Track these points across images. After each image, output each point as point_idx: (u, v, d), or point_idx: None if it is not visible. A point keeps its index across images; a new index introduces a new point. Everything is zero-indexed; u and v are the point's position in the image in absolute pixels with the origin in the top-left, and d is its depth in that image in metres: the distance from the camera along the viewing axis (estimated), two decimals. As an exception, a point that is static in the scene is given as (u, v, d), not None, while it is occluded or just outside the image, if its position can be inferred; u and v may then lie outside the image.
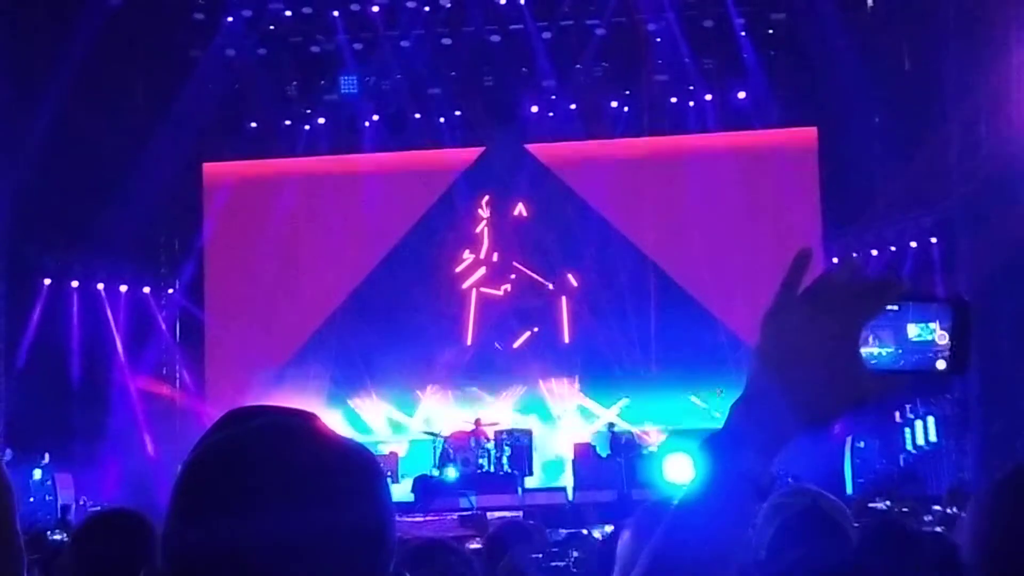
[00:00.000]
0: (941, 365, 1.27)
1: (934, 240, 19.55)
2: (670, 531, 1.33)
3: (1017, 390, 15.77)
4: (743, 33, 20.52)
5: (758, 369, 1.33)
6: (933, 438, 17.62)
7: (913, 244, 19.79)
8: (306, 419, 1.47)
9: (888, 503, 11.89)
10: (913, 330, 1.27)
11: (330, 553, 1.35)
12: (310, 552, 1.34)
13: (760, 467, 1.32)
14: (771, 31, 20.69)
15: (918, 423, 17.85)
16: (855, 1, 19.98)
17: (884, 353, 1.28)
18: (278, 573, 1.34)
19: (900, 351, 1.27)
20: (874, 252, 20.27)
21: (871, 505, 12.07)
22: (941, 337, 1.26)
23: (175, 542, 1.38)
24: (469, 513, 15.66)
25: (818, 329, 1.29)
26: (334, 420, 20.51)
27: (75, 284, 20.42)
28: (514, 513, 16.00)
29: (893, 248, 20.06)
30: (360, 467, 1.43)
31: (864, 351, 1.28)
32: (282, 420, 1.46)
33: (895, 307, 1.28)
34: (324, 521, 1.35)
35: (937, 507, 10.82)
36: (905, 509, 11.32)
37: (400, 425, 20.63)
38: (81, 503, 17.09)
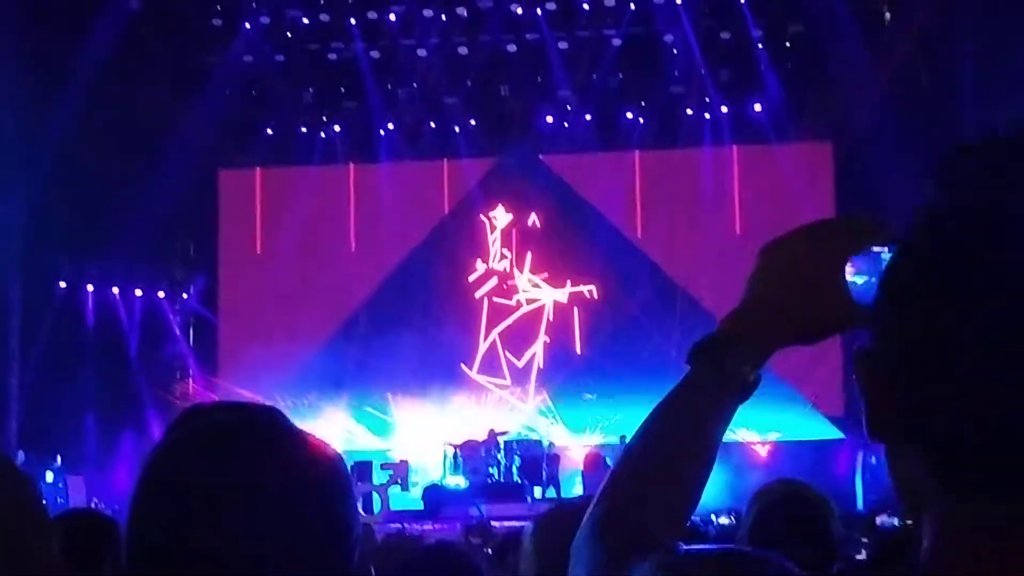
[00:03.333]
0: None
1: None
2: (651, 422, 1.39)
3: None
4: (760, 46, 20.50)
5: (752, 288, 1.43)
6: None
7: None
8: (268, 415, 1.44)
9: (896, 519, 11.84)
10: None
11: (291, 550, 1.34)
12: (270, 549, 1.33)
13: (747, 367, 1.39)
14: (788, 44, 20.67)
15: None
16: (873, 15, 19.95)
17: (860, 281, 1.35)
18: (237, 571, 1.32)
19: (874, 280, 1.31)
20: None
21: (877, 519, 12.02)
22: None
23: (135, 540, 1.37)
24: (475, 522, 15.66)
25: (809, 256, 1.39)
26: (343, 425, 20.55)
27: (90, 288, 20.49)
28: (522, 523, 15.99)
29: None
30: (321, 464, 1.41)
31: (850, 275, 1.37)
32: (240, 417, 1.44)
33: (882, 248, 1.35)
34: (284, 518, 1.34)
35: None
36: (910, 522, 11.29)
37: (410, 433, 20.61)
38: (92, 506, 17.13)
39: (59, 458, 18.12)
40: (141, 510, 1.38)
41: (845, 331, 1.38)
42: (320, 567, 1.36)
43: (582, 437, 20.52)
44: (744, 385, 1.40)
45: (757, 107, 20.87)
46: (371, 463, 19.20)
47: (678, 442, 1.37)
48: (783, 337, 1.41)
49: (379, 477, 18.93)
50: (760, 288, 1.42)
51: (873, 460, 17.98)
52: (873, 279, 1.32)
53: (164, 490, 1.37)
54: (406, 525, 15.53)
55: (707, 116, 21.17)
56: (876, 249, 1.36)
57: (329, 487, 1.39)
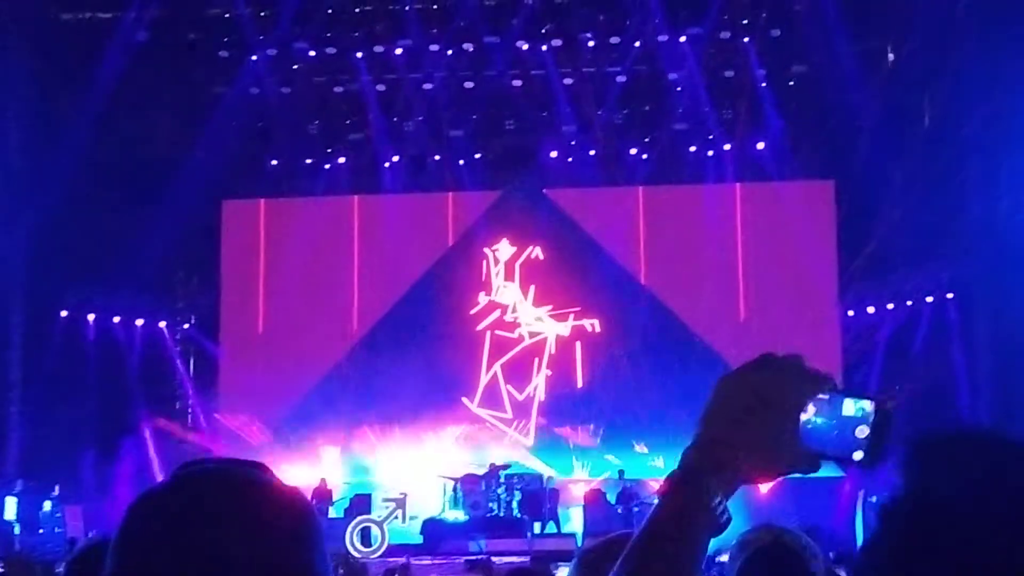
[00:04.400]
0: (858, 456, 1.42)
1: (951, 296, 19.52)
2: (635, 555, 1.43)
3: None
4: (763, 84, 20.60)
5: (712, 421, 1.48)
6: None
7: (929, 299, 19.77)
8: (248, 468, 1.48)
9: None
10: (849, 407, 1.43)
11: None
12: None
13: (721, 504, 1.45)
14: (791, 83, 20.78)
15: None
16: (876, 56, 20.04)
17: (819, 421, 1.43)
18: None
19: (833, 422, 1.42)
20: (890, 306, 20.25)
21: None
22: (861, 431, 1.39)
23: None
24: (476, 558, 15.59)
25: (767, 399, 1.45)
26: (342, 457, 20.50)
27: (91, 317, 20.51)
28: (522, 559, 15.93)
29: (909, 302, 20.03)
30: (294, 515, 1.44)
31: (803, 416, 1.44)
32: (221, 468, 1.48)
33: (826, 396, 1.44)
34: (256, 568, 1.36)
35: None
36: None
37: (410, 466, 20.56)
38: (89, 536, 17.06)
39: (57, 488, 18.08)
40: (120, 557, 1.41)
41: (794, 474, 1.46)
42: None
43: (581, 473, 20.47)
44: (723, 522, 1.47)
45: (760, 145, 20.95)
46: (370, 496, 19.16)
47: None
48: (742, 477, 1.47)
49: (379, 510, 18.88)
50: (720, 424, 1.47)
51: (874, 499, 17.93)
52: (834, 421, 1.42)
53: (139, 538, 1.40)
54: (408, 560, 15.48)
55: (710, 153, 21.25)
56: (821, 397, 1.44)
57: (295, 539, 1.42)
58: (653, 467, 20.32)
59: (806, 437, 1.43)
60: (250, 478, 1.45)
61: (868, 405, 1.43)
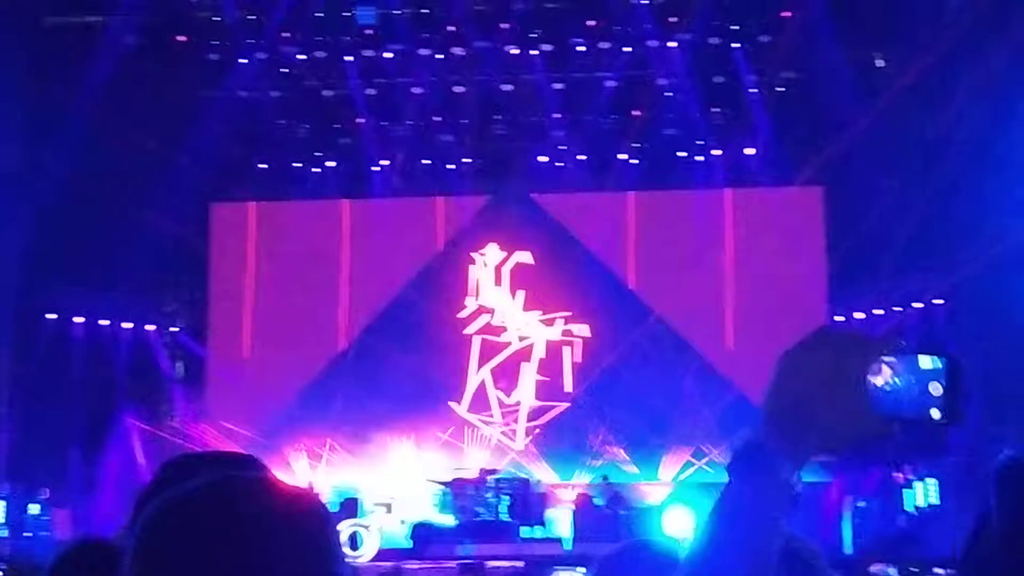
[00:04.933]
0: (936, 414, 1.37)
1: (939, 302, 19.56)
2: (709, 538, 1.43)
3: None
4: (753, 90, 20.63)
5: (776, 396, 1.47)
6: (936, 500, 17.53)
7: (918, 305, 19.81)
8: (255, 470, 1.51)
9: (893, 569, 11.78)
10: (925, 362, 1.38)
11: None
12: None
13: (793, 477, 1.43)
14: (781, 89, 20.81)
15: (919, 484, 17.77)
16: (866, 61, 20.08)
17: (894, 382, 1.39)
18: None
19: (912, 379, 1.38)
20: (879, 312, 20.28)
21: (873, 570, 11.95)
22: (935, 388, 1.36)
23: None
24: (470, 562, 15.60)
25: (829, 367, 1.42)
26: (331, 461, 20.47)
27: (79, 320, 20.46)
28: (512, 563, 15.94)
29: (898, 309, 20.07)
30: (314, 518, 1.45)
31: (877, 380, 1.40)
32: (236, 476, 1.48)
33: (892, 358, 1.40)
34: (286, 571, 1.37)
35: (939, 570, 10.75)
36: (914, 569, 11.23)
37: (399, 470, 20.53)
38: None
39: (45, 491, 18.02)
40: (138, 567, 1.39)
41: (868, 444, 1.43)
42: None
43: (570, 480, 20.48)
44: (794, 497, 1.45)
45: (750, 151, 20.98)
46: (358, 500, 19.14)
47: (745, 559, 1.41)
48: (812, 449, 1.45)
49: (367, 514, 18.86)
50: (784, 398, 1.46)
51: (862, 504, 17.96)
52: (908, 379, 1.38)
53: (165, 553, 1.39)
54: (397, 564, 15.48)
55: (700, 159, 21.27)
56: (887, 359, 1.40)
57: (322, 542, 1.43)
58: (640, 472, 20.36)
59: (878, 402, 1.39)
60: (275, 486, 1.46)
61: (938, 360, 1.40)
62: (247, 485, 1.46)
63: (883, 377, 1.40)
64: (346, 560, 1.44)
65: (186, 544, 1.37)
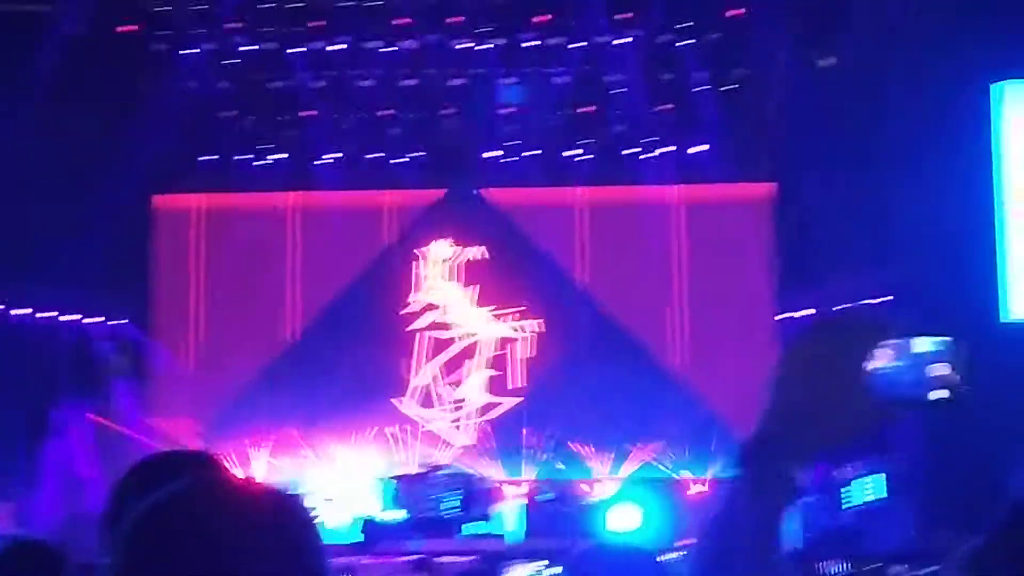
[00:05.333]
0: (936, 395, 1.36)
1: (888, 299, 19.70)
2: (715, 525, 1.44)
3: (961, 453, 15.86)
4: (704, 88, 20.69)
5: (778, 393, 1.48)
6: (883, 493, 17.64)
7: (867, 303, 19.92)
8: (222, 470, 1.51)
9: (847, 565, 11.81)
10: (920, 344, 1.37)
11: None
12: None
13: (795, 470, 1.44)
14: (733, 86, 20.88)
15: (866, 478, 17.87)
16: (816, 61, 20.19)
17: (892, 366, 1.37)
18: None
19: (907, 363, 1.36)
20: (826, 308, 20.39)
21: (822, 565, 11.97)
22: (937, 370, 1.35)
23: None
24: (419, 558, 15.56)
25: (828, 359, 1.42)
26: (277, 458, 20.34)
27: (20, 312, 20.16)
28: (463, 559, 15.91)
29: (846, 306, 20.18)
30: (294, 517, 1.47)
31: (874, 364, 1.40)
32: (215, 479, 1.55)
33: (894, 341, 1.38)
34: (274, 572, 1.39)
35: (898, 567, 10.81)
36: (877, 565, 11.28)
37: (346, 466, 20.43)
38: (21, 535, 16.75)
39: (-15, 486, 17.75)
40: (126, 568, 1.40)
41: (872, 434, 1.43)
42: None
43: (518, 476, 20.47)
44: (796, 490, 1.46)
45: (701, 147, 21.03)
46: (306, 496, 19.00)
47: (749, 546, 1.42)
48: (815, 443, 1.45)
49: (313, 510, 18.71)
50: (786, 394, 1.47)
51: (809, 499, 18.03)
52: (905, 363, 1.34)
53: (150, 561, 1.39)
54: (345, 559, 15.39)
55: (650, 155, 21.29)
56: (892, 342, 1.39)
57: (305, 540, 1.46)
58: (589, 468, 20.38)
59: (877, 387, 1.37)
60: (256, 488, 1.49)
61: (937, 342, 1.36)
62: (229, 487, 1.47)
63: (883, 360, 1.36)
64: (328, 557, 1.43)
65: (171, 550, 1.37)
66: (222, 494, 1.44)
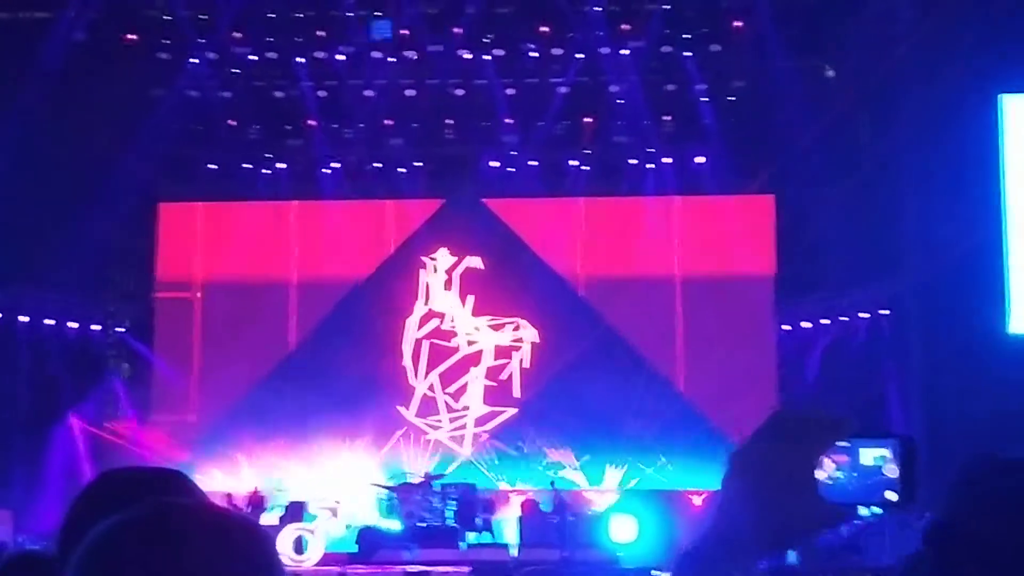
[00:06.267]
0: (892, 496, 1.38)
1: (885, 312, 19.75)
2: None
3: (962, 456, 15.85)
4: (704, 99, 20.74)
5: (726, 496, 1.44)
6: (877, 509, 17.63)
7: (864, 315, 19.98)
8: (187, 492, 1.49)
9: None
10: (867, 456, 1.38)
11: None
12: None
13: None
14: (732, 98, 20.92)
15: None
16: (815, 73, 20.25)
17: (840, 476, 1.39)
18: None
19: (855, 474, 1.38)
20: (825, 322, 20.45)
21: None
22: (891, 471, 1.37)
23: None
24: (417, 571, 15.55)
25: (776, 460, 1.40)
26: (276, 465, 20.34)
27: (23, 319, 20.22)
28: (458, 568, 15.90)
29: (844, 318, 20.24)
30: (256, 548, 1.43)
31: (820, 474, 1.38)
32: (173, 504, 1.47)
33: (847, 443, 1.39)
34: None
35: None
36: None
37: (345, 474, 20.43)
38: (19, 541, 16.80)
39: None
40: None
41: (819, 532, 1.42)
42: None
43: (517, 484, 20.48)
44: None
45: (700, 159, 21.08)
46: (304, 504, 19.01)
47: None
48: (758, 551, 1.42)
49: (312, 518, 18.75)
50: (736, 499, 1.43)
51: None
52: (856, 473, 1.37)
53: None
54: (342, 568, 15.41)
55: (650, 166, 21.34)
56: (842, 444, 1.38)
57: (265, 565, 1.42)
58: (587, 479, 20.40)
59: (830, 493, 1.38)
60: (213, 513, 1.45)
61: (886, 452, 1.39)
62: (185, 513, 1.43)
63: (825, 471, 1.38)
64: None
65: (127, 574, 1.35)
66: (181, 521, 1.39)
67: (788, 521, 1.39)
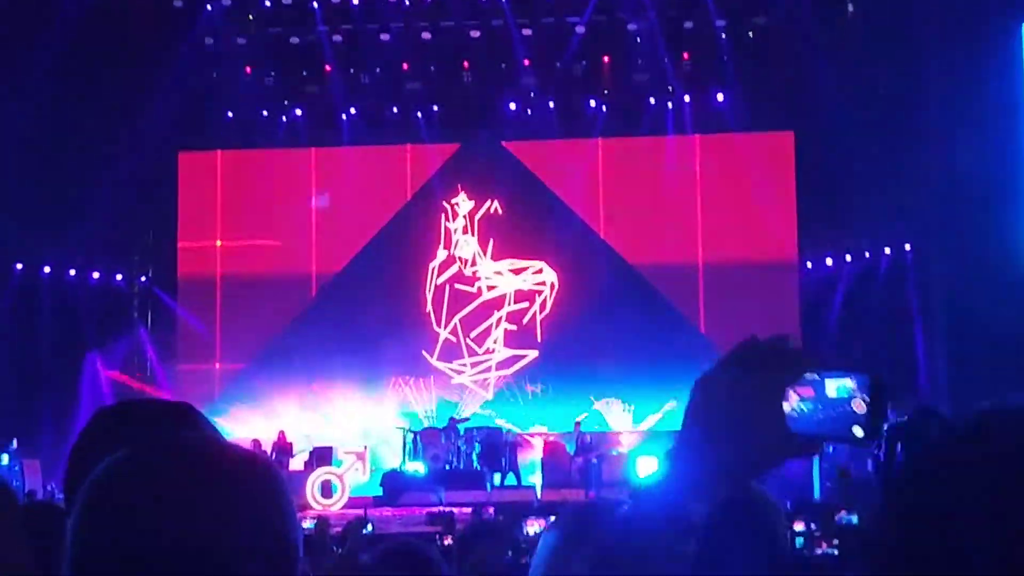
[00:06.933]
0: (859, 432, 1.35)
1: (908, 247, 19.65)
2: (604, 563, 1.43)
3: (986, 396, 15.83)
4: (723, 36, 20.53)
5: (688, 424, 1.42)
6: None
7: (887, 250, 19.89)
8: (194, 424, 1.52)
9: (854, 516, 11.80)
10: (831, 388, 1.36)
11: (239, 562, 1.34)
12: (220, 565, 1.33)
13: (692, 508, 1.39)
14: (751, 34, 20.70)
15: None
16: (835, 7, 20.01)
17: (805, 408, 1.37)
18: None
19: (820, 407, 1.36)
20: (848, 257, 20.36)
21: (836, 516, 11.97)
22: (859, 406, 1.34)
23: (84, 559, 1.35)
24: (438, 511, 15.67)
25: (743, 388, 1.38)
26: (302, 411, 20.47)
27: (47, 270, 20.32)
28: (486, 508, 16.01)
29: (867, 254, 20.15)
30: (262, 475, 1.41)
31: (786, 406, 1.37)
32: (181, 437, 1.47)
33: (815, 375, 1.37)
34: (234, 535, 1.34)
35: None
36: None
37: (370, 418, 20.56)
38: (48, 489, 16.99)
39: (15, 441, 17.95)
40: (89, 530, 1.36)
41: (783, 462, 1.40)
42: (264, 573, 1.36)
43: (540, 426, 20.55)
44: (691, 528, 1.41)
45: (720, 97, 20.90)
46: (332, 449, 19.16)
47: None
48: (720, 479, 1.41)
49: (339, 463, 18.90)
50: (699, 425, 1.41)
51: (831, 449, 18.07)
52: (820, 405, 1.35)
53: (116, 515, 1.35)
54: (368, 511, 15.51)
55: (670, 105, 21.18)
56: (809, 376, 1.37)
57: (270, 499, 1.39)
58: (611, 421, 20.45)
59: (796, 424, 1.37)
60: (216, 449, 1.42)
61: (850, 382, 1.37)
62: (192, 446, 1.42)
63: (789, 404, 1.37)
64: (298, 523, 1.41)
65: (134, 508, 1.33)
66: (188, 455, 1.37)
67: (753, 451, 1.38)
